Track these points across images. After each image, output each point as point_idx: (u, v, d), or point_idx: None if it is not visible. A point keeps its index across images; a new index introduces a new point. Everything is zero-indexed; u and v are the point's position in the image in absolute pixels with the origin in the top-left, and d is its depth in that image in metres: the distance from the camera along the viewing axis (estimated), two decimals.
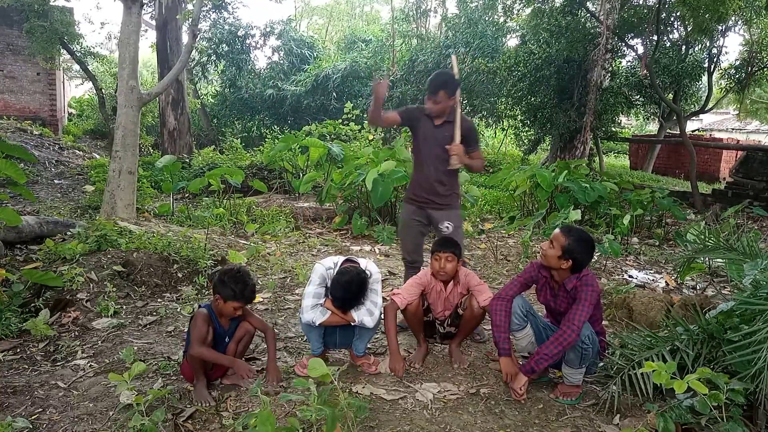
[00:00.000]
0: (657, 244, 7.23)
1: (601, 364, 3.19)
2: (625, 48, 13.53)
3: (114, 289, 4.18)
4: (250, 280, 2.97)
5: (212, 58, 18.61)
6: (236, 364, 2.98)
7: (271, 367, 3.08)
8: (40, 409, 2.76)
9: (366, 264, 3.27)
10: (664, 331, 3.20)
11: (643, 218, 7.76)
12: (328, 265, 3.26)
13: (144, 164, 9.99)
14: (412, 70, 18.47)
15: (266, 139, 14.08)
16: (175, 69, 7.23)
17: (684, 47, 14.46)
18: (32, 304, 3.89)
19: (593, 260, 5.90)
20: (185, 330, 3.81)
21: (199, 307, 3.10)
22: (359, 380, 3.19)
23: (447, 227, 3.71)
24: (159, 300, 4.35)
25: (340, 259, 3.31)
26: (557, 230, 3.01)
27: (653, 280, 5.70)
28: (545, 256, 2.99)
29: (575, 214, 5.53)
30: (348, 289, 3.04)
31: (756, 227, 7.62)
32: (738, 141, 19.54)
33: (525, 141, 16.79)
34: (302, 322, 3.18)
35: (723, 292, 5.03)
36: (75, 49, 12.73)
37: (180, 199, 8.86)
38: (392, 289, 3.57)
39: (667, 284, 5.48)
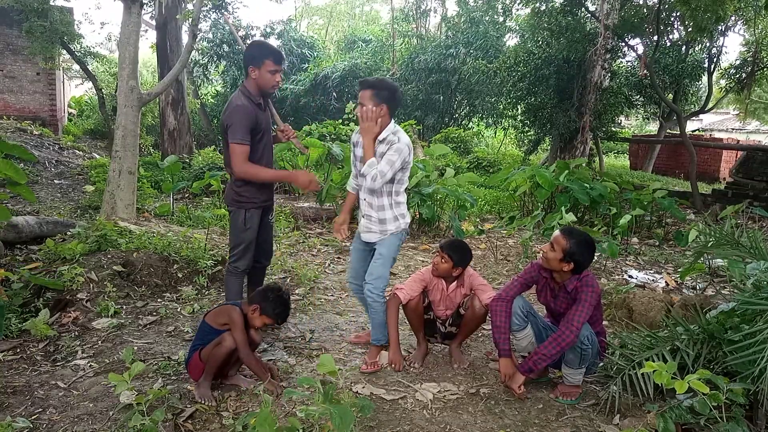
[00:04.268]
0: (657, 244, 7.23)
1: (601, 364, 3.19)
2: (625, 48, 13.53)
3: (114, 289, 4.18)
4: (290, 305, 3.11)
5: (213, 59, 18.64)
6: (269, 382, 2.95)
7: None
8: (40, 409, 2.76)
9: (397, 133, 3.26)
10: (664, 331, 3.20)
11: (643, 218, 7.76)
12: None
13: (144, 164, 9.98)
14: (412, 70, 18.49)
15: None
16: (175, 69, 7.22)
17: (684, 47, 14.46)
18: (32, 304, 3.89)
19: (593, 260, 5.90)
20: (185, 330, 3.81)
21: (227, 303, 3.14)
22: (359, 380, 3.20)
23: (271, 219, 3.74)
24: (159, 300, 4.35)
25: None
26: (557, 233, 3.00)
27: (653, 280, 5.70)
28: (546, 259, 2.99)
29: (569, 217, 5.53)
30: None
31: (756, 227, 7.61)
32: (738, 141, 19.55)
33: (525, 141, 16.80)
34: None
35: (723, 292, 5.03)
36: (75, 49, 12.71)
37: (180, 199, 8.86)
38: (390, 289, 3.58)
39: (667, 284, 5.48)
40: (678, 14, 12.51)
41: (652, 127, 27.34)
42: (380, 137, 3.22)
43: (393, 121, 3.29)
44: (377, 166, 3.15)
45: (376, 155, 3.20)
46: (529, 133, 15.74)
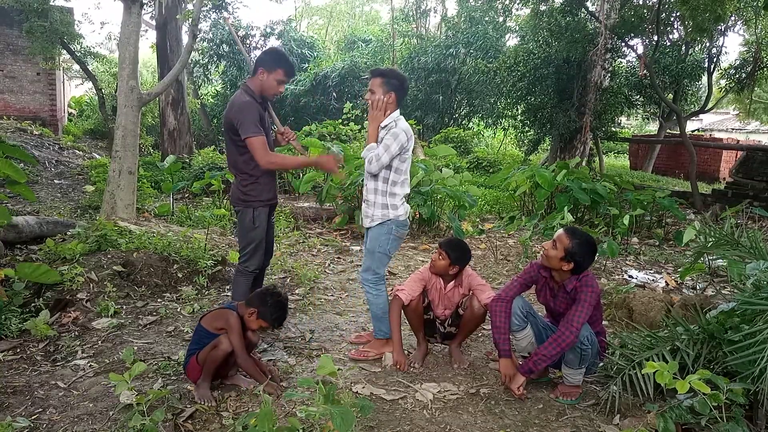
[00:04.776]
0: (657, 244, 7.23)
1: (601, 364, 3.19)
2: (625, 48, 13.53)
3: (114, 289, 4.18)
4: (287, 310, 3.11)
5: (213, 59, 18.64)
6: (269, 383, 2.95)
7: (265, 368, 3.09)
8: (40, 409, 2.76)
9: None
10: (664, 331, 3.20)
11: (643, 218, 7.77)
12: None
13: (144, 164, 9.98)
14: (412, 69, 18.49)
15: None
16: (175, 69, 7.21)
17: (684, 47, 14.46)
18: (32, 304, 3.89)
19: (593, 262, 5.90)
20: (185, 330, 3.81)
21: (224, 306, 3.15)
22: (359, 380, 3.20)
23: (272, 218, 3.75)
24: (159, 300, 4.35)
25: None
26: (561, 231, 3.00)
27: (653, 280, 5.70)
28: (547, 256, 2.99)
29: (569, 217, 5.54)
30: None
31: (756, 227, 7.61)
32: (738, 141, 19.54)
33: (525, 141, 16.80)
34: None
35: (723, 292, 5.03)
36: (75, 49, 12.70)
37: (180, 199, 8.86)
38: (391, 289, 3.59)
39: (667, 284, 5.48)
40: (678, 14, 12.50)
41: (652, 127, 27.35)
42: (383, 124, 3.31)
43: (398, 110, 3.36)
44: (375, 149, 3.25)
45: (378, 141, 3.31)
46: (529, 133, 15.74)
